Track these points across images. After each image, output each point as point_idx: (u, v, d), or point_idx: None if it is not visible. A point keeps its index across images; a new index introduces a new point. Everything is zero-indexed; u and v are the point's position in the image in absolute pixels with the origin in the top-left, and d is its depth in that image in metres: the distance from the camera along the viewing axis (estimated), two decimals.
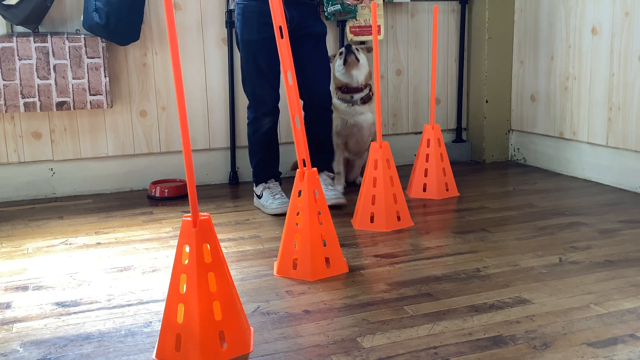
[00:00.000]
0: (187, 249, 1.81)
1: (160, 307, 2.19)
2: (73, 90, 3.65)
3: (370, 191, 3.06)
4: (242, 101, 4.11)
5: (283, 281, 2.44)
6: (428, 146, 3.64)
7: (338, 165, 3.72)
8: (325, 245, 2.47)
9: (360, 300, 2.24)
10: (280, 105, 3.38)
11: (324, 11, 4.11)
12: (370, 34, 4.22)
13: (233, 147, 4.14)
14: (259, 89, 3.34)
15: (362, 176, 3.48)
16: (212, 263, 1.81)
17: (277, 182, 3.49)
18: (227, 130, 4.14)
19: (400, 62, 4.51)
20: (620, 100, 3.71)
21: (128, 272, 2.58)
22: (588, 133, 3.96)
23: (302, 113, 3.04)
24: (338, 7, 4.08)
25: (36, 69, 3.57)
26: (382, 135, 4.07)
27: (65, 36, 3.60)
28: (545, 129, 4.33)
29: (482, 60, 4.54)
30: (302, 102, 3.35)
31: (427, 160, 3.64)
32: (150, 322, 2.11)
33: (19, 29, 3.70)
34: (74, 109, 3.67)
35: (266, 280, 2.45)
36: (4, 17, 3.53)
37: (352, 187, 3.88)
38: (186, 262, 1.80)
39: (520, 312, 2.11)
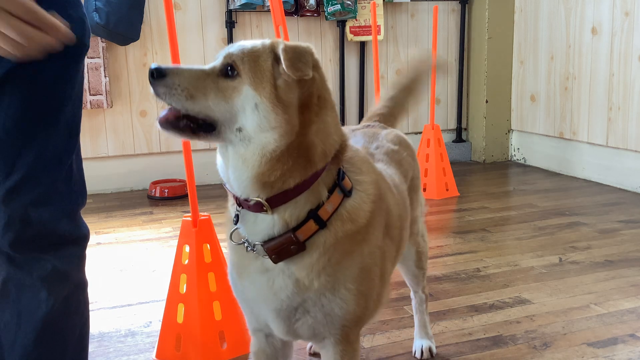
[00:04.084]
0: (187, 249, 1.80)
1: (160, 307, 2.18)
2: None
3: None
4: None
5: None
6: (428, 146, 3.64)
7: None
8: None
9: None
10: None
11: (324, 11, 4.12)
12: (370, 34, 4.22)
13: None
14: None
15: None
16: (212, 263, 1.81)
17: None
18: None
19: (400, 62, 4.50)
20: (620, 100, 3.71)
21: (128, 272, 2.58)
22: (588, 133, 3.96)
23: None
24: (338, 7, 4.08)
25: None
26: None
27: None
28: (545, 129, 4.33)
29: (482, 60, 4.54)
30: None
31: (427, 160, 3.64)
32: (150, 322, 2.10)
33: None
34: None
35: None
36: None
37: None
38: (186, 262, 1.80)
39: (520, 312, 2.11)
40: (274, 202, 1.08)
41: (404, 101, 1.85)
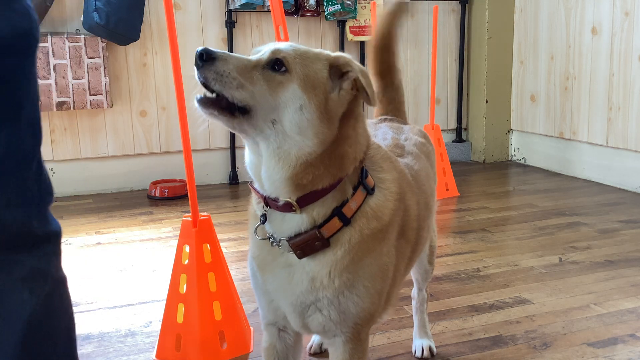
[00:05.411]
0: (187, 249, 1.80)
1: (160, 307, 2.18)
2: (73, 90, 3.64)
3: None
4: None
5: None
6: None
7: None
8: None
9: None
10: None
11: (324, 11, 4.11)
12: (370, 34, 4.22)
13: (233, 147, 4.14)
14: None
15: None
16: (212, 263, 1.81)
17: None
18: (227, 130, 4.14)
19: (399, 62, 4.50)
20: (620, 100, 3.71)
21: (128, 272, 2.58)
22: (588, 133, 3.96)
23: None
24: (338, 7, 4.08)
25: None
26: None
27: (65, 36, 3.60)
28: (545, 129, 4.33)
29: (482, 60, 4.54)
30: None
31: None
32: (150, 322, 2.10)
33: None
34: (74, 109, 3.67)
35: None
36: None
37: None
38: (186, 262, 1.80)
39: (520, 312, 2.11)
40: (303, 202, 1.10)
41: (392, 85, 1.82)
